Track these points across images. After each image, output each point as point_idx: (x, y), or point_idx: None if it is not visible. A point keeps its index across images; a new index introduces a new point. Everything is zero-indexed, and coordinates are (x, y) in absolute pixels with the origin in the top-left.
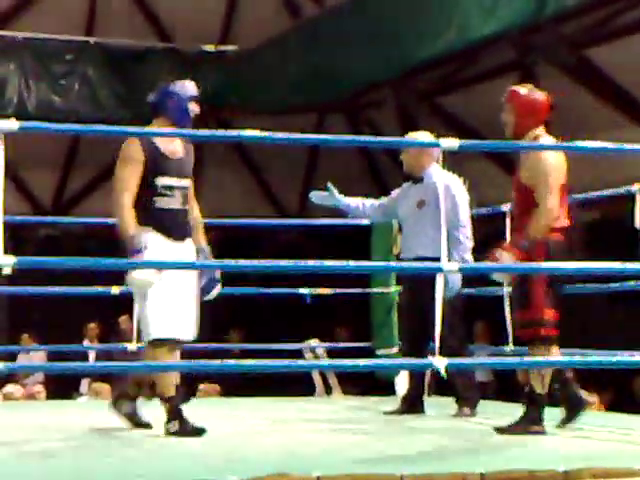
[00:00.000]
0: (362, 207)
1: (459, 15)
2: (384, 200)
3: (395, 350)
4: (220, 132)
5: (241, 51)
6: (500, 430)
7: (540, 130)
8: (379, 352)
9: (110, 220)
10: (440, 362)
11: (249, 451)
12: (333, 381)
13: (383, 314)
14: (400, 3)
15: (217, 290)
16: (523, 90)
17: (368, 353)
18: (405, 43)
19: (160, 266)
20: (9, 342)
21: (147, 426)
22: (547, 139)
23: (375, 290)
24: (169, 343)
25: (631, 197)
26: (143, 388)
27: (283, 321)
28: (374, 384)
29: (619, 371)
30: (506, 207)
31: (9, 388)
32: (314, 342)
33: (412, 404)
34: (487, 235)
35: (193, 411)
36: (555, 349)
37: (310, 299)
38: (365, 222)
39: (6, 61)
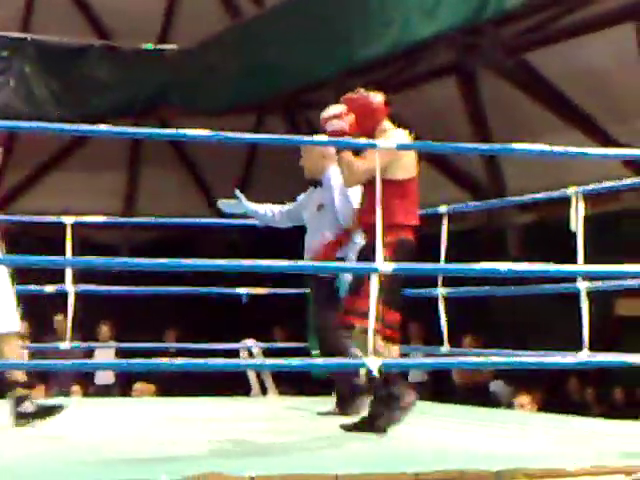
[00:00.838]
0: (270, 214)
1: (400, 16)
2: (290, 205)
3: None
4: (162, 130)
5: (181, 50)
6: (345, 427)
7: (387, 125)
8: (314, 352)
9: (46, 218)
10: (373, 362)
11: (182, 450)
12: (269, 381)
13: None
14: (341, 3)
15: None
16: (353, 96)
17: (304, 353)
18: (346, 43)
19: None
20: None
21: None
22: (397, 132)
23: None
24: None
25: (567, 200)
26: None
27: (219, 321)
28: (310, 384)
29: (552, 371)
30: (443, 209)
31: None
32: (250, 342)
33: (345, 405)
34: (427, 238)
35: (127, 410)
36: (393, 348)
37: (246, 299)
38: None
39: None
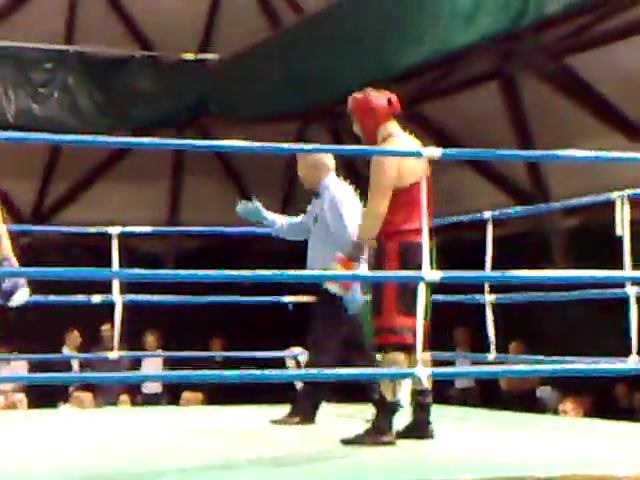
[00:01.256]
0: (283, 226)
1: (439, 23)
2: (300, 218)
3: (377, 358)
4: (201, 142)
5: (221, 59)
6: (346, 441)
7: (391, 128)
8: None
9: (93, 228)
10: (422, 371)
11: (200, 461)
12: None
13: (366, 322)
14: (381, 11)
15: (24, 295)
16: (357, 95)
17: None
18: (386, 51)
19: None
20: None
21: None
22: (400, 137)
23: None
24: None
25: (611, 204)
26: None
27: (265, 329)
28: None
29: (600, 377)
30: (487, 214)
31: None
32: (296, 350)
33: (306, 414)
34: (471, 243)
35: (164, 419)
36: (410, 357)
37: (292, 307)
38: None
39: None
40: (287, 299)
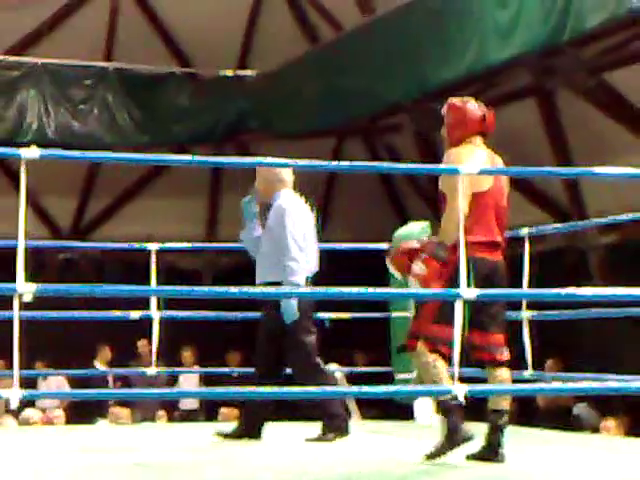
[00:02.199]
0: (254, 235)
1: (478, 39)
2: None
3: (414, 375)
4: (239, 159)
5: (260, 76)
6: (430, 456)
7: (473, 141)
8: (398, 377)
9: (131, 245)
10: (460, 388)
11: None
12: (352, 405)
13: (402, 338)
14: (419, 27)
15: None
16: (456, 101)
17: (387, 378)
18: (424, 67)
19: None
20: (26, 367)
21: None
22: (473, 149)
23: (394, 314)
24: None
25: None
26: None
27: None
28: (394, 408)
29: (638, 396)
30: (525, 231)
31: (27, 412)
32: (333, 367)
33: (250, 429)
34: (508, 259)
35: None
36: (439, 363)
37: (329, 324)
38: (383, 246)
39: (26, 87)
40: (323, 316)
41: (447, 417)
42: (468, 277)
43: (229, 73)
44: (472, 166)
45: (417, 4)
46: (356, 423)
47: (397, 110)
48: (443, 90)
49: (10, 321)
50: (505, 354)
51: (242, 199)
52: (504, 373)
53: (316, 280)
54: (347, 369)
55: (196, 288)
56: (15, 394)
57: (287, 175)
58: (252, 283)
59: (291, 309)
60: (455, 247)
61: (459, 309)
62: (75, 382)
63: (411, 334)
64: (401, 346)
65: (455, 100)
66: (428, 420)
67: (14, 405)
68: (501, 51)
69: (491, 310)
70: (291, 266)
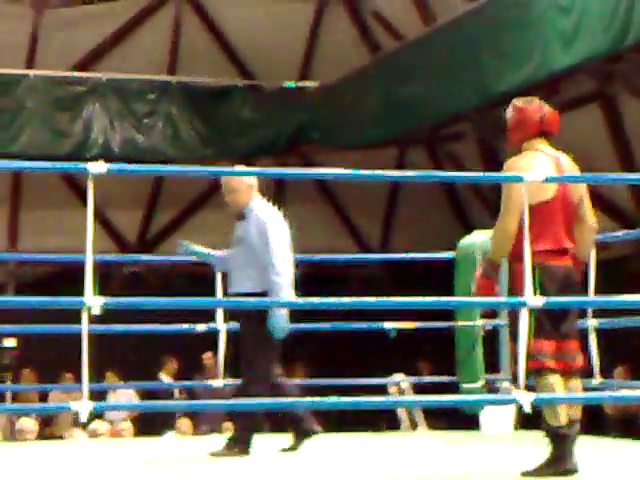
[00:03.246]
0: (221, 261)
1: (540, 46)
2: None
3: (480, 385)
4: (302, 170)
5: (321, 87)
6: (527, 474)
7: (538, 144)
8: (463, 387)
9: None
10: (525, 397)
11: None
12: (419, 416)
13: (467, 348)
14: (480, 35)
15: None
16: (518, 102)
17: (453, 388)
18: (486, 75)
19: None
20: (95, 380)
21: None
22: (533, 157)
23: (459, 323)
24: None
25: None
26: None
27: (365, 355)
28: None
29: None
30: None
31: (95, 425)
32: (399, 377)
33: (239, 444)
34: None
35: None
36: (554, 379)
37: (394, 333)
38: (447, 255)
39: (91, 102)
40: (388, 325)
41: (555, 444)
42: (540, 286)
43: (291, 85)
44: (536, 174)
45: (478, 13)
46: (423, 433)
47: (459, 118)
48: (505, 98)
49: (79, 335)
50: (580, 361)
51: (179, 251)
52: (577, 382)
53: (380, 289)
54: (413, 379)
55: (259, 299)
56: (85, 406)
57: (254, 181)
58: (315, 294)
59: (283, 322)
60: (521, 256)
61: (525, 317)
62: (142, 394)
63: (516, 356)
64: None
65: (518, 101)
66: (495, 430)
67: (84, 418)
68: (563, 58)
69: (568, 317)
70: (278, 282)
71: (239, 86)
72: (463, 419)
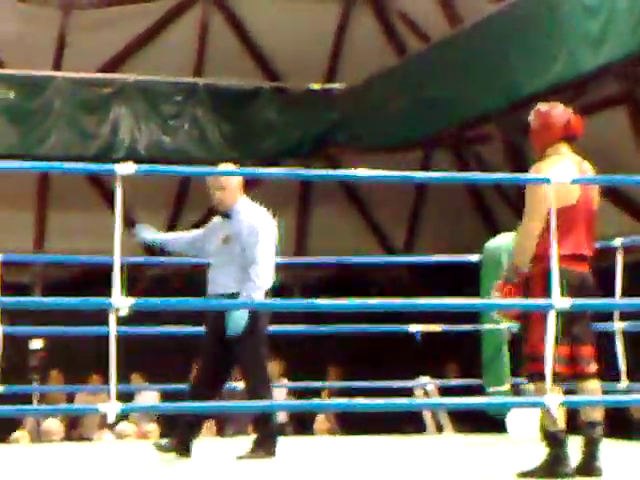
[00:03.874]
0: (176, 242)
1: (567, 48)
2: (194, 233)
3: (506, 387)
4: (328, 172)
5: (348, 88)
6: (523, 475)
7: (560, 149)
8: (489, 389)
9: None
10: (552, 400)
11: None
12: (444, 419)
13: (493, 351)
14: (507, 37)
15: None
16: (542, 107)
17: (479, 390)
18: (513, 76)
19: None
20: (122, 381)
21: None
22: (556, 162)
23: (485, 326)
24: None
25: None
26: None
27: (393, 358)
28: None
29: None
30: (618, 242)
31: (122, 426)
32: (424, 379)
33: (264, 446)
34: (601, 270)
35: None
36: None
37: (420, 336)
38: (473, 258)
39: (118, 103)
40: (414, 328)
41: (552, 446)
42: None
43: (317, 87)
44: (563, 176)
45: (505, 14)
46: (449, 437)
47: (486, 120)
48: (532, 99)
49: (105, 336)
50: (593, 366)
51: (137, 235)
52: (593, 384)
53: (405, 291)
54: (439, 381)
55: (285, 302)
56: (112, 408)
57: (241, 180)
58: (340, 296)
59: (241, 321)
60: (540, 259)
61: (552, 319)
62: (168, 396)
63: (527, 358)
64: (528, 373)
65: (541, 105)
66: (521, 433)
67: (111, 419)
68: (591, 60)
69: (582, 322)
70: (256, 283)
71: (265, 88)
72: (489, 422)
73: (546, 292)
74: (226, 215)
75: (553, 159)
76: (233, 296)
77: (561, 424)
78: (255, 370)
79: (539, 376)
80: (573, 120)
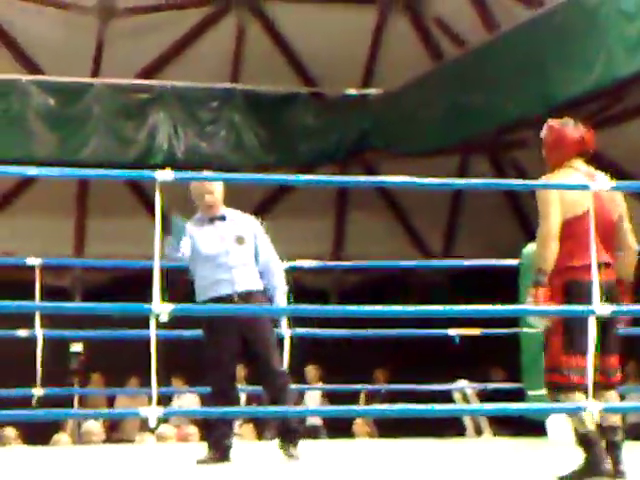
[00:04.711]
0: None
1: (604, 53)
2: (183, 248)
3: (544, 392)
4: (364, 178)
5: (384, 94)
6: (562, 479)
7: (575, 165)
8: (530, 393)
9: None
10: (594, 406)
11: None
12: (484, 422)
13: (532, 355)
14: (544, 42)
15: None
16: (555, 123)
17: (519, 394)
18: (550, 82)
19: None
20: (161, 384)
21: None
22: (568, 174)
23: (524, 330)
24: None
25: None
26: None
27: (429, 361)
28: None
29: None
30: None
31: (163, 429)
32: (463, 383)
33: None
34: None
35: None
36: (579, 396)
37: (458, 340)
38: (512, 262)
39: (156, 109)
40: (453, 332)
41: (588, 448)
42: (568, 302)
43: (353, 92)
44: (603, 182)
45: (542, 20)
46: (488, 440)
47: (522, 125)
48: (569, 105)
49: (143, 340)
50: (618, 376)
51: (176, 217)
52: (614, 394)
53: (442, 296)
54: (478, 385)
55: (324, 307)
56: (154, 412)
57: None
58: (377, 300)
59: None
60: (559, 272)
61: (592, 325)
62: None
63: (547, 369)
64: (546, 384)
65: (553, 122)
66: (561, 437)
67: (152, 423)
68: (629, 65)
69: (611, 332)
70: (283, 274)
71: (301, 93)
72: (529, 426)
73: (566, 304)
74: (219, 218)
75: (564, 171)
76: (261, 292)
77: (590, 425)
78: (282, 370)
79: (557, 387)
80: (587, 135)
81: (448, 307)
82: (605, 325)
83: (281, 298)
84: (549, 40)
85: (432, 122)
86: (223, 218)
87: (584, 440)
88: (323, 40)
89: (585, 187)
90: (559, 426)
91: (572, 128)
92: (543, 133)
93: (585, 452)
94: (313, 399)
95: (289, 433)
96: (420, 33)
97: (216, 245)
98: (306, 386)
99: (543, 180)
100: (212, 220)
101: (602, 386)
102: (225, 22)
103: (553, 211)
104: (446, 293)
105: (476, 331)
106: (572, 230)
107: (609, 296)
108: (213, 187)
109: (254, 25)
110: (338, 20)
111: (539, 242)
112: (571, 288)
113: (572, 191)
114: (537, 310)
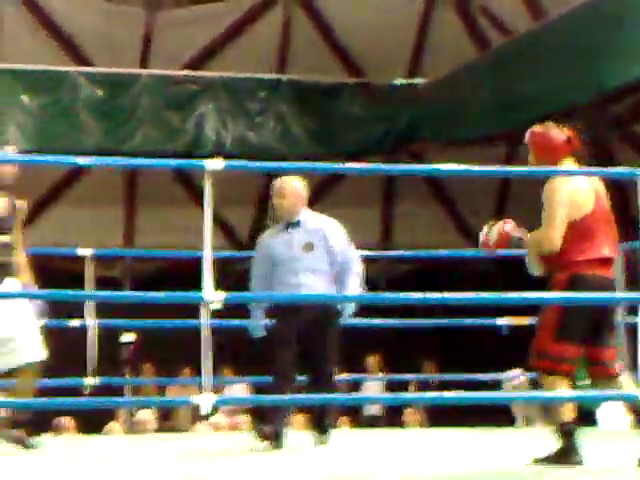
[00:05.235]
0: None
1: None
2: (260, 270)
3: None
4: (412, 166)
5: (430, 83)
6: (536, 461)
7: (566, 163)
8: (579, 383)
9: None
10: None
11: None
12: (534, 412)
13: None
14: (593, 29)
15: None
16: (539, 129)
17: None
18: (597, 70)
19: None
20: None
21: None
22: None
23: None
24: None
25: None
26: None
27: (479, 351)
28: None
29: None
30: None
31: (216, 418)
32: (517, 371)
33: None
34: None
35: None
36: (563, 383)
37: (507, 330)
38: None
39: (204, 100)
40: (502, 321)
41: (565, 438)
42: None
43: (400, 82)
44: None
45: (592, 7)
46: (538, 430)
47: (572, 113)
48: (619, 92)
49: (194, 329)
50: (617, 367)
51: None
52: (618, 384)
53: (492, 285)
54: (529, 374)
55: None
56: (207, 400)
57: (306, 194)
58: (430, 289)
59: (351, 310)
60: (565, 266)
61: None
62: (260, 390)
63: (535, 353)
64: (534, 368)
65: (537, 128)
66: (612, 426)
67: (205, 411)
68: None
69: (611, 324)
70: (358, 273)
71: (348, 83)
72: (579, 415)
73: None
74: (292, 224)
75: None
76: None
77: (570, 416)
78: (333, 363)
79: (546, 372)
80: (572, 135)
81: (497, 295)
82: (602, 317)
83: (352, 292)
84: (598, 28)
85: (479, 111)
86: (297, 224)
87: (563, 430)
88: (370, 30)
89: (634, 175)
90: (610, 414)
91: (557, 131)
92: (528, 139)
93: (562, 441)
94: (374, 388)
95: (322, 426)
96: (466, 21)
97: (285, 252)
98: (366, 375)
99: (547, 183)
100: (287, 227)
101: (604, 378)
102: (272, 13)
103: (559, 215)
104: (495, 282)
105: (524, 320)
106: (579, 227)
107: (607, 291)
108: (286, 190)
109: (301, 15)
110: (384, 9)
111: (539, 242)
112: (575, 282)
113: (581, 192)
114: (585, 298)
